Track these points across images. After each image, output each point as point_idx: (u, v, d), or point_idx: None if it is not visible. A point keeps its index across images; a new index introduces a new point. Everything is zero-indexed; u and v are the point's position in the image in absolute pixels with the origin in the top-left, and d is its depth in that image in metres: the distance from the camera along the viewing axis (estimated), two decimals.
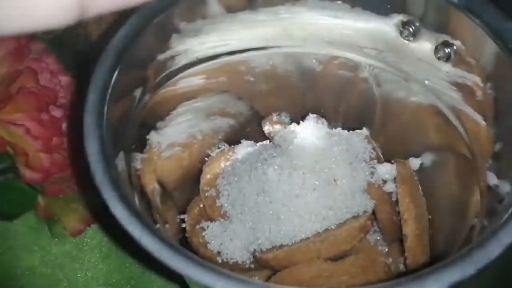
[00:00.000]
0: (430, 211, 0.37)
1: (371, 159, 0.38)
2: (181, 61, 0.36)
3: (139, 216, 0.25)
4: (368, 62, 0.38)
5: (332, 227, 0.35)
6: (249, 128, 0.43)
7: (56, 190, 0.45)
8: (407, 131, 0.40)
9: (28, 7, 0.13)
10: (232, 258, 0.37)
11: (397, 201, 0.37)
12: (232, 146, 0.41)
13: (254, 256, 0.36)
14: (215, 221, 0.38)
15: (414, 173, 0.38)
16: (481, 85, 0.32)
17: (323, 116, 0.40)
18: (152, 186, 0.36)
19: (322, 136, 0.37)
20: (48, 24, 0.14)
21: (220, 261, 0.37)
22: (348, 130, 0.41)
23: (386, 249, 0.38)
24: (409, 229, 0.35)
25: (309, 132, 0.37)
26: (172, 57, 0.35)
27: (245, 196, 0.37)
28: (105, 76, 0.29)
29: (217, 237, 0.37)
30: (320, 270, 0.33)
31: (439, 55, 0.34)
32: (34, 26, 0.14)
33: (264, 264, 0.35)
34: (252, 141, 0.41)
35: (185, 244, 0.39)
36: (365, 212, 0.36)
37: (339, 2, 0.35)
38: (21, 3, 0.13)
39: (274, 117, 0.42)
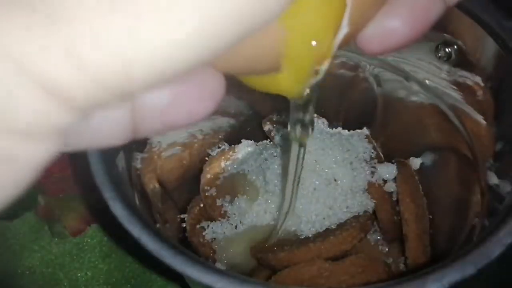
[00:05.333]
0: (431, 211, 0.37)
1: (372, 158, 0.38)
2: None
3: (139, 215, 0.25)
4: (368, 61, 0.38)
5: (333, 226, 0.35)
6: (249, 128, 0.43)
7: (56, 190, 0.44)
8: (407, 131, 0.40)
9: (92, 130, 0.14)
10: (233, 258, 0.37)
11: (397, 201, 0.37)
12: (233, 145, 0.41)
13: (254, 256, 0.36)
14: (215, 221, 0.38)
15: (415, 173, 0.38)
16: (482, 84, 0.32)
17: (324, 116, 0.40)
18: (152, 185, 0.36)
19: (322, 136, 0.37)
20: (103, 144, 0.15)
21: (221, 262, 0.37)
22: (349, 130, 0.41)
23: (386, 249, 0.38)
24: (409, 229, 0.35)
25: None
26: None
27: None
28: None
29: (218, 237, 0.37)
30: (320, 270, 0.33)
31: (439, 54, 0.34)
32: (92, 144, 0.15)
33: (265, 264, 0.35)
34: (253, 141, 0.41)
35: (185, 243, 0.39)
36: (365, 212, 0.36)
37: None
38: (87, 126, 0.14)
39: (275, 117, 0.42)
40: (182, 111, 0.16)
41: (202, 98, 0.16)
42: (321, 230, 0.35)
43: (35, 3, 0.11)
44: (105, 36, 0.11)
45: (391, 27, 0.18)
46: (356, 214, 0.36)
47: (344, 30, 0.16)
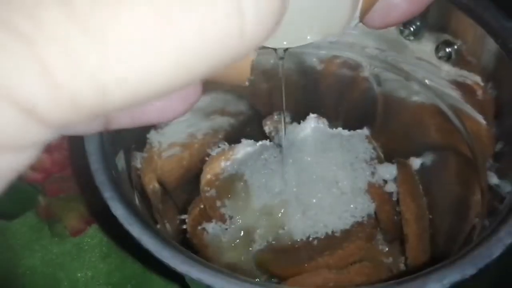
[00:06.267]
0: (431, 211, 0.37)
1: (372, 159, 0.38)
2: None
3: (139, 215, 0.25)
4: (369, 61, 0.38)
5: (336, 233, 0.35)
6: (249, 127, 0.43)
7: (57, 190, 0.44)
8: (407, 131, 0.40)
9: None
10: (234, 260, 0.37)
11: (397, 201, 0.37)
12: (232, 145, 0.41)
13: (260, 267, 0.36)
14: (215, 222, 0.38)
15: (415, 173, 0.38)
16: (482, 84, 0.32)
17: (324, 116, 0.40)
18: (152, 185, 0.36)
19: (322, 137, 0.37)
20: (79, 132, 0.17)
21: (222, 263, 0.37)
22: (349, 130, 0.41)
23: (386, 249, 0.38)
24: (410, 229, 0.35)
25: (310, 132, 0.37)
26: None
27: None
28: None
29: (218, 238, 0.37)
30: (325, 280, 0.33)
31: (439, 54, 0.34)
32: (64, 133, 0.16)
33: (272, 274, 0.36)
34: (253, 141, 0.41)
35: (186, 244, 0.38)
36: (368, 215, 0.36)
37: None
38: None
39: (275, 117, 0.41)
40: (152, 110, 0.16)
41: (175, 100, 0.16)
42: (324, 236, 0.35)
43: (11, 23, 0.11)
44: (80, 61, 0.11)
45: (392, 2, 0.18)
46: (360, 219, 0.36)
47: (355, 22, 0.17)
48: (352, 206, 0.36)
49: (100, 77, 0.11)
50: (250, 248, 0.36)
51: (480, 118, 0.32)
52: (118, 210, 0.25)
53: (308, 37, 0.18)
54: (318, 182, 0.36)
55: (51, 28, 0.11)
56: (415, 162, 0.39)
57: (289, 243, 0.36)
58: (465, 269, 0.23)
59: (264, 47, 0.17)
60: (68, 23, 0.11)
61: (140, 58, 0.11)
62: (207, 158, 0.41)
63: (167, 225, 0.37)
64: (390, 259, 0.37)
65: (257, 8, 0.12)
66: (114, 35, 0.11)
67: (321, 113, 0.40)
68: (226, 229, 0.37)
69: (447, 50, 0.33)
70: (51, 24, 0.11)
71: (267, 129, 0.41)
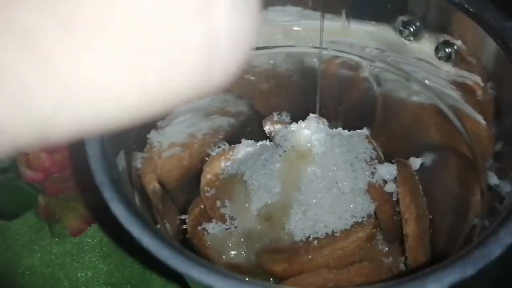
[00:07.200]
0: (431, 211, 0.37)
1: (372, 159, 0.38)
2: None
3: (139, 216, 0.25)
4: (369, 61, 0.38)
5: (335, 230, 0.35)
6: (249, 128, 0.43)
7: (57, 190, 0.44)
8: (407, 131, 0.40)
9: None
10: (234, 260, 0.37)
11: (397, 201, 0.37)
12: (233, 145, 0.41)
13: (261, 266, 0.36)
14: (215, 222, 0.38)
15: (415, 173, 0.38)
16: (482, 84, 0.32)
17: (324, 116, 0.40)
18: (152, 185, 0.36)
19: (323, 137, 0.37)
20: None
21: (222, 263, 0.37)
22: (349, 130, 0.41)
23: (386, 249, 0.38)
24: (409, 229, 0.35)
25: (310, 132, 0.37)
26: None
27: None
28: None
29: (218, 238, 0.37)
30: (325, 280, 0.33)
31: (439, 54, 0.34)
32: None
33: (272, 274, 0.36)
34: (253, 141, 0.41)
35: (186, 244, 0.39)
36: (368, 216, 0.36)
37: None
38: None
39: (275, 117, 0.42)
40: None
41: None
42: (324, 236, 0.35)
43: None
44: (31, 106, 0.11)
45: None
46: (360, 219, 0.36)
47: None
48: (352, 206, 0.36)
49: (49, 121, 0.11)
50: (250, 248, 0.36)
51: (480, 118, 0.32)
52: (118, 210, 0.25)
53: None
54: (318, 182, 0.36)
55: (7, 67, 0.10)
56: (415, 162, 0.39)
57: (289, 243, 0.36)
58: (465, 270, 0.23)
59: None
60: (26, 63, 0.10)
61: (97, 106, 0.11)
62: (207, 158, 0.41)
63: (167, 225, 0.37)
64: (390, 259, 0.37)
65: (228, 60, 0.12)
66: (73, 81, 0.11)
67: (321, 113, 0.40)
68: (226, 229, 0.37)
69: (447, 50, 0.33)
70: (8, 63, 0.10)
71: (267, 129, 0.41)
